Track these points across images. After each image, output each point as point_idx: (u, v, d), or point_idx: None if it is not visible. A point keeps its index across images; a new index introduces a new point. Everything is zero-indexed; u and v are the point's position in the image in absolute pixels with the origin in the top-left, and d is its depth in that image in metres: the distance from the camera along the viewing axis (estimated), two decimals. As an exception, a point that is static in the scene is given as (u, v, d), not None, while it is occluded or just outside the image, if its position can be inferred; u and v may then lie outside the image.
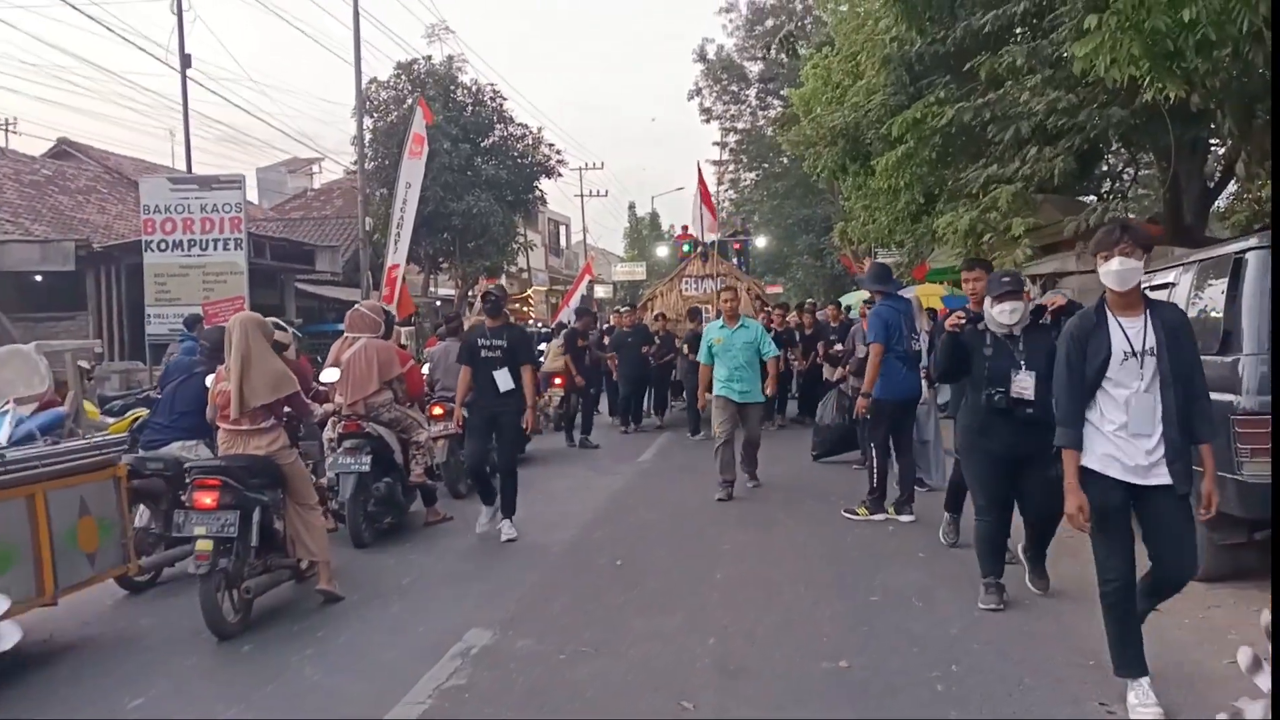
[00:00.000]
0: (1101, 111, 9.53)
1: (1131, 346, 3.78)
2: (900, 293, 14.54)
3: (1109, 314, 3.86)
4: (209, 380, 5.99)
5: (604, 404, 15.72)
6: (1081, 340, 3.86)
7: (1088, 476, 3.88)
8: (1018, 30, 10.66)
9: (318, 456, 7.13)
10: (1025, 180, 10.08)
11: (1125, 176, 13.97)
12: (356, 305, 8.18)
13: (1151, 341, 3.77)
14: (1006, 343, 5.05)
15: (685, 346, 13.98)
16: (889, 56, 12.20)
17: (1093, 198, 13.73)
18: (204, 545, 5.12)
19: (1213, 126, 9.81)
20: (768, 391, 9.17)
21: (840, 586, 5.83)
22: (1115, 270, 3.76)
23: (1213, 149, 11.34)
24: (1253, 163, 8.66)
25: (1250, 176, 8.79)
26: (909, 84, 12.22)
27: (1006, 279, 5.10)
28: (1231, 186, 12.67)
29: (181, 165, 26.85)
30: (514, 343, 7.46)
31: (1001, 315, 4.98)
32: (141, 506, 6.53)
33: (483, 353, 7.39)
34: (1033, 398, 4.93)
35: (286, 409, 5.78)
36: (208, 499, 5.21)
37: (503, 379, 7.33)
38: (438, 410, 9.14)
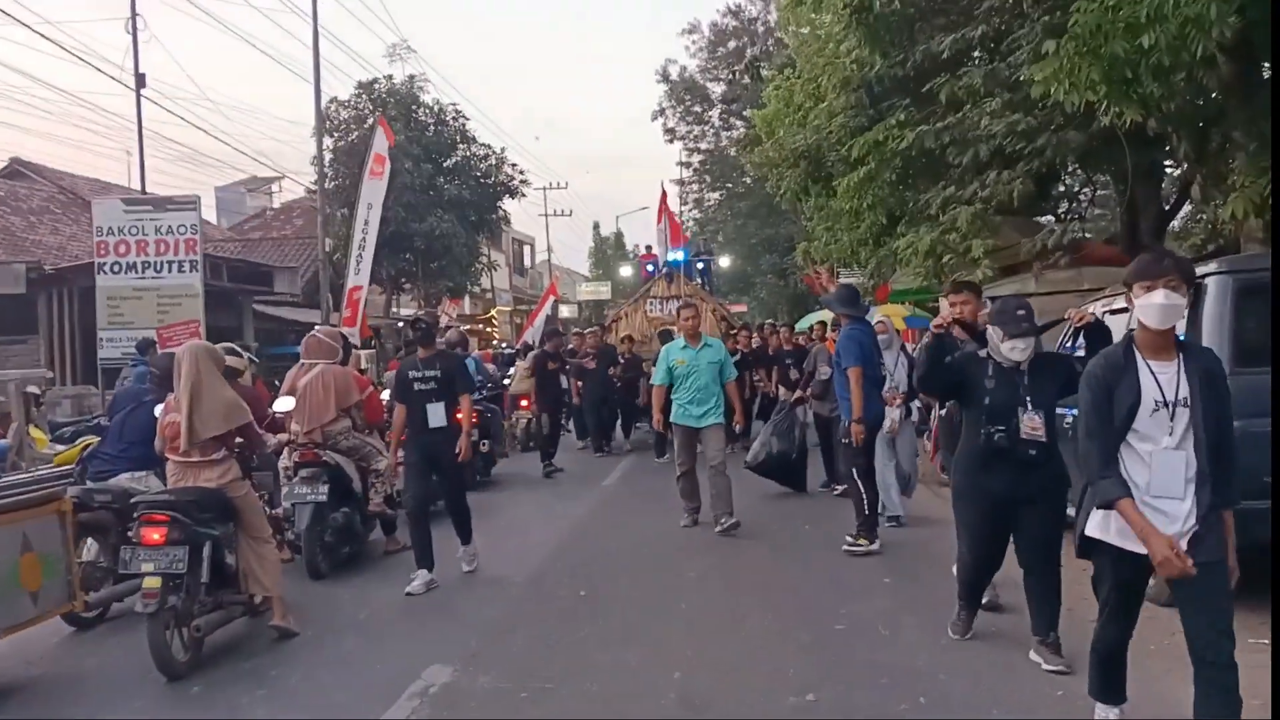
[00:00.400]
0: (1059, 135, 9.65)
1: (1163, 395, 3.31)
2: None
3: (1138, 356, 3.38)
4: (158, 410, 5.82)
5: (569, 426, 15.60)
6: (1108, 384, 3.38)
7: (1103, 550, 3.48)
8: (975, 54, 10.77)
9: (273, 487, 6.95)
10: (984, 202, 10.17)
11: (1082, 198, 14.12)
12: (314, 331, 8.02)
13: (1185, 390, 3.30)
14: (1011, 374, 4.59)
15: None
16: (849, 79, 12.29)
17: (1050, 218, 13.91)
18: (152, 583, 4.94)
19: (1168, 149, 9.94)
20: (736, 424, 8.91)
21: (805, 615, 5.76)
22: (1158, 305, 3.27)
23: (1168, 172, 11.48)
24: (1208, 185, 8.76)
25: (1206, 199, 8.87)
26: (869, 106, 12.31)
27: (1022, 312, 4.55)
28: (1187, 208, 12.86)
29: (138, 185, 26.55)
30: (449, 373, 6.98)
31: (1013, 352, 4.51)
32: (89, 540, 6.33)
33: (415, 385, 6.91)
34: (1044, 439, 4.52)
35: (238, 439, 5.63)
36: (155, 534, 5.05)
37: (435, 413, 6.84)
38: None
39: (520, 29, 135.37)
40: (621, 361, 14.51)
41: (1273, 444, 4.10)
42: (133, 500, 5.47)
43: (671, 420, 8.51)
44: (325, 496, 7.10)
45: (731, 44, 45.73)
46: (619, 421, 15.35)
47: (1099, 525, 3.47)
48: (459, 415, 7.01)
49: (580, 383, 14.22)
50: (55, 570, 5.38)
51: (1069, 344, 7.40)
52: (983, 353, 4.71)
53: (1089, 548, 3.54)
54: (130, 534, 5.25)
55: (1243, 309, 4.90)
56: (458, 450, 6.84)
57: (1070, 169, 11.90)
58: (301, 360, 7.71)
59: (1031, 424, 4.50)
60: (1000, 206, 10.54)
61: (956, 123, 10.33)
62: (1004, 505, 4.63)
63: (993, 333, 4.61)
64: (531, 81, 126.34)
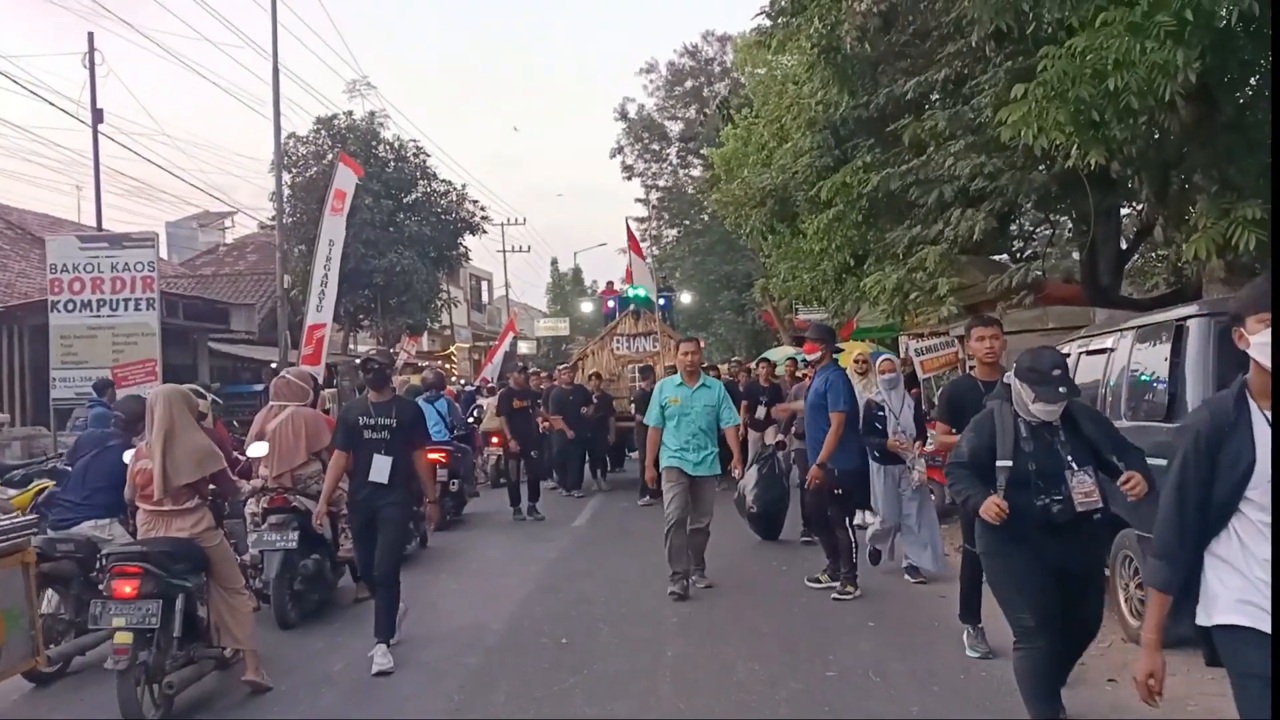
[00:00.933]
0: (1022, 176, 9.83)
1: None
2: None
3: (1252, 405, 2.71)
4: (128, 457, 5.64)
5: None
6: (1213, 444, 2.70)
7: (1222, 635, 2.74)
8: (935, 97, 10.93)
9: (241, 533, 6.76)
10: (949, 242, 10.31)
11: (1038, 236, 14.37)
12: (283, 373, 7.85)
13: None
14: (1043, 431, 4.03)
15: (634, 406, 13.65)
16: (815, 120, 12.44)
17: (1004, 257, 14.15)
18: (123, 638, 4.75)
19: (1130, 188, 10.15)
20: (734, 471, 8.30)
21: (794, 663, 5.68)
22: None
23: (1128, 213, 11.72)
24: (1170, 227, 8.94)
25: (1168, 240, 9.05)
26: (834, 147, 12.47)
27: (1058, 373, 3.96)
28: (1144, 248, 13.14)
29: (88, 220, 26.03)
30: (405, 421, 6.18)
31: (1043, 413, 3.99)
32: (50, 591, 6.09)
33: (365, 434, 6.14)
34: (1102, 504, 3.98)
35: (211, 486, 5.47)
36: (127, 587, 4.86)
37: (380, 467, 6.06)
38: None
39: (476, 66, 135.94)
40: (595, 401, 14.34)
41: (1273, 450, 3.76)
42: (104, 551, 5.27)
43: (662, 465, 7.64)
44: (295, 543, 6.91)
45: (689, 83, 46.36)
46: (587, 462, 15.03)
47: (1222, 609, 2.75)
48: (433, 456, 6.83)
49: (559, 419, 13.88)
50: (18, 625, 5.15)
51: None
52: (1011, 408, 4.10)
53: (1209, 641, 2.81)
54: (100, 586, 5.05)
55: (1225, 352, 4.96)
56: (422, 511, 6.40)
57: (1029, 208, 12.10)
58: (270, 403, 7.53)
59: (1084, 489, 3.93)
60: (964, 245, 10.72)
61: (921, 164, 10.49)
62: (1052, 573, 4.00)
63: (1022, 390, 4.04)
64: (488, 118, 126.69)
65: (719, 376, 13.80)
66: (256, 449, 7.15)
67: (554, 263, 58.77)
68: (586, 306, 48.20)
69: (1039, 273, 10.28)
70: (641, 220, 48.02)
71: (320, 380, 15.41)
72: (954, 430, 4.91)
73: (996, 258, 13.57)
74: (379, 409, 6.18)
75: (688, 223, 42.80)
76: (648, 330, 15.94)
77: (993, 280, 10.62)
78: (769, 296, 22.28)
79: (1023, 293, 10.05)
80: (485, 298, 50.11)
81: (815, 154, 12.84)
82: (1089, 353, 6.44)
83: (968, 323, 5.08)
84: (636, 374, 14.93)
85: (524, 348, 44.49)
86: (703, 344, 18.20)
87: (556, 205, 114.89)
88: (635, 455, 15.54)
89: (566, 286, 58.60)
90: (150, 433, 5.26)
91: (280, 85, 18.73)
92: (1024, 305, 10.13)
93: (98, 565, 5.97)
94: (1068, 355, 6.85)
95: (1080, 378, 6.39)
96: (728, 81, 44.10)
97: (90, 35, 17.78)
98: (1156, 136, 8.35)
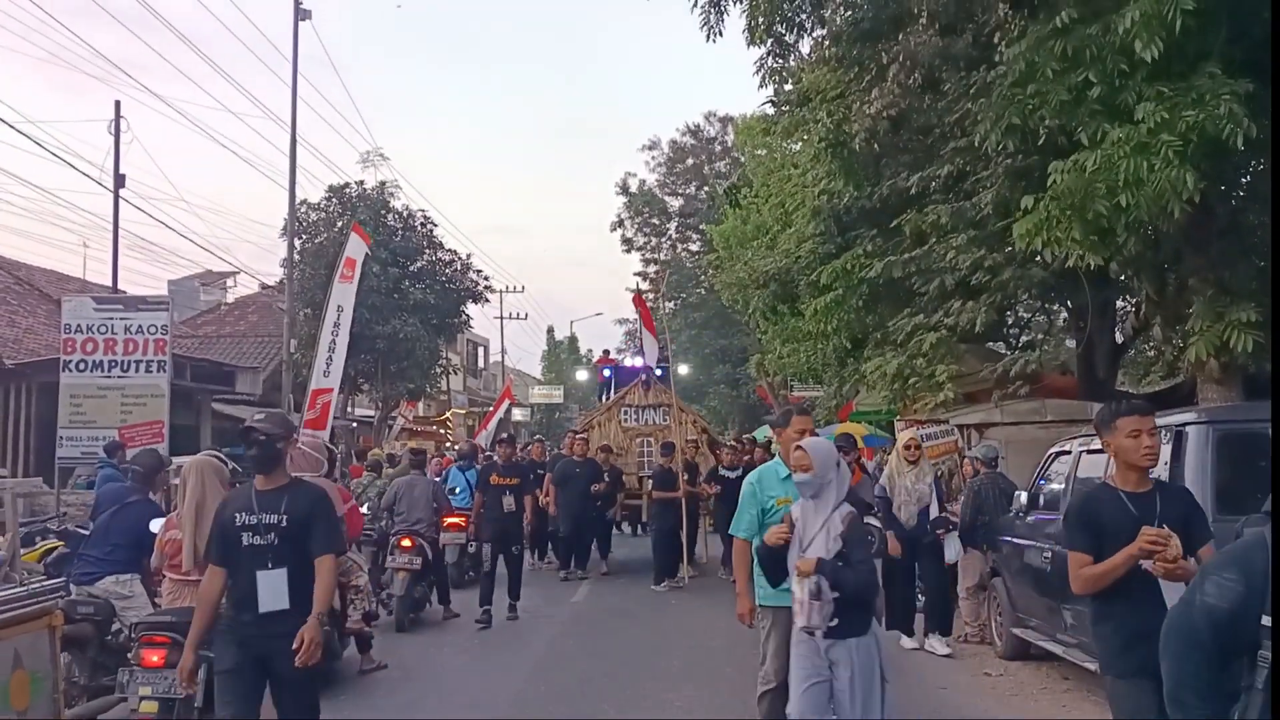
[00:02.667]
0: (1022, 272, 10.15)
1: None
2: (823, 433, 14.75)
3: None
4: (156, 525, 5.79)
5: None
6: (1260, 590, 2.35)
7: None
8: (933, 192, 11.28)
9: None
10: (949, 330, 10.60)
11: (1033, 325, 14.71)
12: (297, 441, 7.95)
13: None
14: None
15: (650, 483, 13.11)
16: (819, 208, 12.83)
17: (999, 345, 14.47)
18: (149, 707, 4.87)
19: (1121, 282, 10.44)
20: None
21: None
22: None
23: (1123, 307, 12.01)
24: (1167, 326, 9.23)
25: (1166, 339, 9.34)
26: (836, 234, 12.84)
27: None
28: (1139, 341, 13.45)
29: (94, 278, 26.34)
30: (305, 517, 4.38)
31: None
32: (64, 654, 6.18)
33: (245, 538, 4.35)
34: None
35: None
36: (155, 657, 4.99)
37: (272, 588, 4.27)
38: (406, 542, 9.52)
39: (480, 137, 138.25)
40: (606, 472, 13.30)
41: (1273, 459, 3.73)
42: (132, 621, 5.40)
43: (760, 602, 5.06)
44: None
45: (689, 161, 47.40)
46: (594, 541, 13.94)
47: None
48: (453, 520, 6.70)
49: (556, 492, 12.98)
50: (42, 688, 5.22)
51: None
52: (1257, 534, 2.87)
53: None
54: (129, 655, 5.16)
55: (1224, 457, 5.19)
56: (307, 651, 4.15)
57: (1025, 300, 12.44)
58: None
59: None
60: (964, 334, 11.02)
61: (923, 254, 10.83)
62: None
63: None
64: (489, 186, 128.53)
65: (736, 457, 13.32)
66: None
67: (550, 330, 59.25)
68: (582, 375, 48.46)
69: (1034, 364, 10.54)
70: (639, 293, 48.57)
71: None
72: (1094, 559, 3.68)
73: (992, 345, 13.89)
74: (266, 501, 4.39)
75: (684, 295, 43.38)
76: (658, 402, 14.89)
77: (987, 368, 10.91)
78: (764, 372, 22.62)
79: (1019, 383, 10.31)
80: (481, 363, 50.36)
81: (817, 240, 13.22)
82: (1089, 451, 6.62)
83: (1107, 409, 3.89)
84: (647, 448, 14.31)
85: (518, 415, 44.58)
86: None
87: (553, 275, 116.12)
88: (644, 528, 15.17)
89: (562, 354, 58.90)
90: (181, 504, 5.41)
91: (296, 154, 19.16)
92: (1019, 396, 10.35)
93: (122, 633, 6.10)
94: (1068, 452, 7.09)
95: (1082, 476, 6.59)
96: (728, 160, 45.17)
97: (117, 104, 18.27)
98: (1154, 239, 8.68)
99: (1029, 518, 7.46)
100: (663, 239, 46.75)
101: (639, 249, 47.12)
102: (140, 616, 5.82)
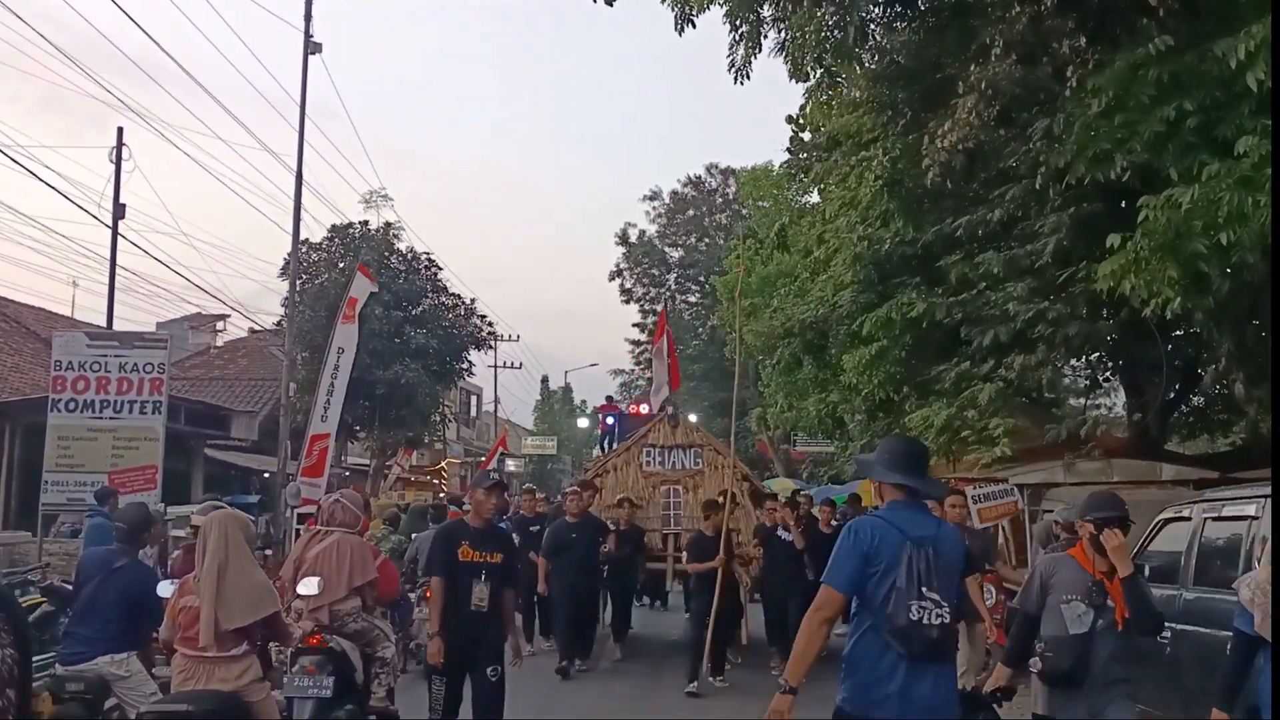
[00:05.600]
0: (1090, 325, 9.53)
1: None
2: (842, 488, 13.77)
3: None
4: (166, 590, 4.99)
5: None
6: None
7: None
8: (980, 241, 10.67)
9: (277, 679, 6.03)
10: (1004, 383, 9.96)
11: (1075, 382, 14.08)
12: (336, 496, 7.10)
13: None
14: None
15: (686, 554, 10.07)
16: (860, 255, 12.24)
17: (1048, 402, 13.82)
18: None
19: (1194, 334, 9.81)
20: None
21: None
22: None
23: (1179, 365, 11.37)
24: (1249, 384, 8.58)
25: (1249, 399, 8.69)
26: (878, 282, 12.25)
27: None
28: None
29: (83, 316, 25.51)
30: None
31: None
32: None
33: None
34: None
35: (262, 631, 4.81)
36: (168, 752, 4.17)
37: None
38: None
39: (475, 191, 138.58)
40: (615, 531, 10.60)
41: (1272, 459, 4.07)
42: (142, 710, 4.59)
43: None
44: (330, 691, 6.14)
45: (690, 212, 47.17)
46: (609, 617, 11.36)
47: None
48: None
49: (544, 561, 10.26)
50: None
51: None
52: None
53: None
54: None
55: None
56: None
57: (1089, 355, 11.82)
58: (318, 527, 6.84)
59: None
60: (1020, 388, 10.37)
61: (971, 299, 10.24)
62: None
63: None
64: (482, 237, 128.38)
65: (795, 519, 10.36)
66: (307, 586, 6.36)
67: (544, 380, 58.43)
68: (582, 422, 47.68)
69: (1101, 422, 9.91)
70: (636, 344, 48.14)
71: (321, 493, 14.75)
72: None
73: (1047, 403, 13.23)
74: None
75: (681, 347, 42.89)
76: (689, 442, 12.00)
77: (1051, 428, 10.23)
78: (765, 425, 21.93)
79: (1090, 444, 9.64)
80: (474, 412, 49.52)
81: (856, 288, 12.62)
82: (1216, 519, 5.92)
83: None
84: (674, 498, 11.51)
85: (511, 465, 43.70)
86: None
87: (546, 327, 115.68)
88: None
89: (556, 405, 58.14)
90: (200, 566, 4.63)
91: (302, 194, 18.54)
92: (1092, 456, 9.68)
93: (117, 711, 5.30)
94: (1185, 518, 6.38)
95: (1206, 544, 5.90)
96: (729, 212, 44.94)
97: (119, 130, 17.55)
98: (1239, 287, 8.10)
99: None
100: (662, 290, 46.31)
101: (637, 300, 46.68)
102: (145, 700, 5.03)
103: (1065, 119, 7.96)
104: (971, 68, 8.29)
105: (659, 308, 46.12)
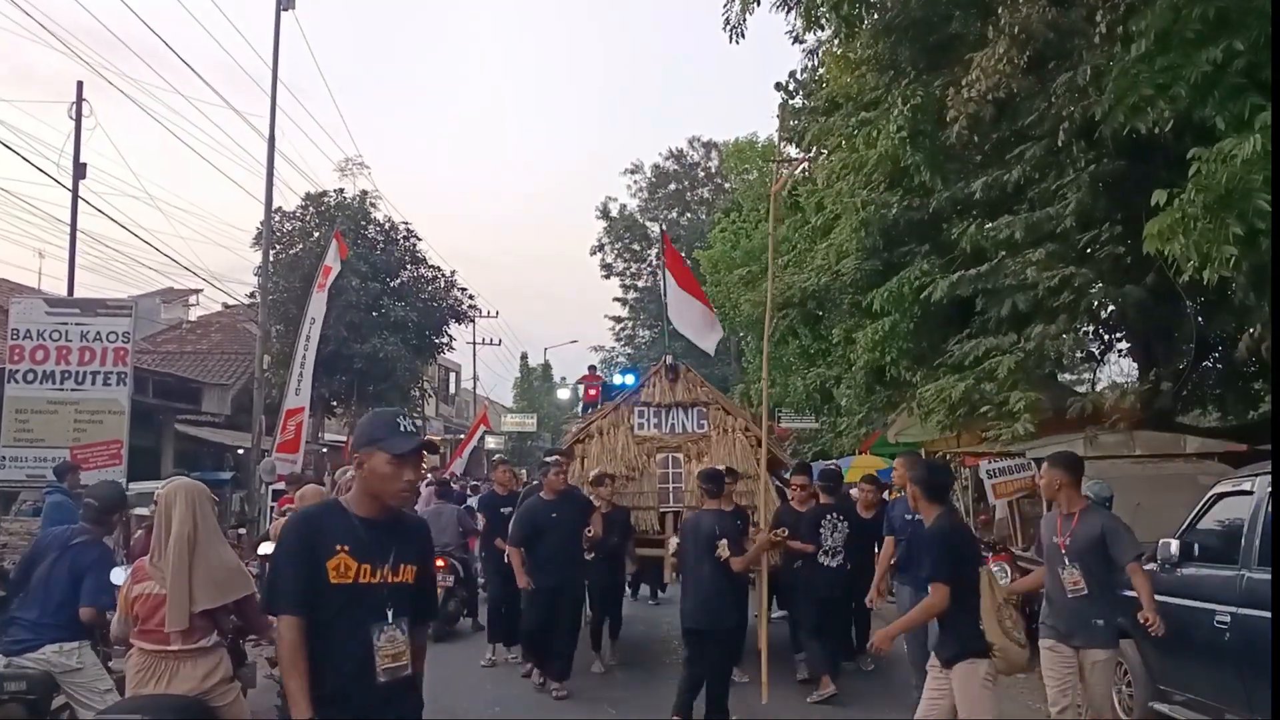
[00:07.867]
0: (1117, 291, 9.01)
1: None
2: (832, 464, 13.18)
3: None
4: (119, 576, 4.34)
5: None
6: None
7: None
8: (990, 205, 10.12)
9: (249, 677, 5.41)
10: (1026, 354, 9.43)
11: (1096, 354, 13.58)
12: (345, 468, 6.48)
13: None
14: None
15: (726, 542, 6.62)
16: (867, 220, 11.65)
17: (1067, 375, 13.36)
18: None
19: (1238, 306, 9.31)
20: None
21: None
22: None
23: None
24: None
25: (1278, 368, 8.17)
26: (882, 249, 11.70)
27: None
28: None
29: (50, 287, 24.52)
30: None
31: None
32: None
33: None
34: None
35: (233, 619, 4.18)
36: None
37: None
38: (440, 562, 8.73)
39: (452, 166, 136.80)
40: (599, 511, 8.23)
41: (1272, 460, 3.96)
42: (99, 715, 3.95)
43: None
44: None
45: (672, 186, 46.47)
46: (588, 616, 8.85)
47: None
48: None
49: (517, 555, 7.99)
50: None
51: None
52: None
53: None
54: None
55: None
56: None
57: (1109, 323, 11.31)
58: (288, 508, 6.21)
59: None
60: (1040, 360, 9.85)
61: (990, 270, 9.69)
62: None
63: None
64: (459, 215, 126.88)
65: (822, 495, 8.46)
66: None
67: (524, 357, 57.66)
68: (563, 393, 47.04)
69: (1130, 394, 9.36)
70: (617, 319, 47.52)
71: (298, 469, 14.09)
72: None
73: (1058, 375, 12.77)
74: None
75: (666, 322, 42.31)
76: (692, 399, 9.60)
77: (1074, 401, 9.70)
78: (749, 402, 21.44)
79: (1115, 416, 9.13)
80: (453, 389, 48.77)
81: (859, 256, 12.07)
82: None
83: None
84: (674, 468, 9.14)
85: (491, 442, 43.04)
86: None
87: (525, 305, 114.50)
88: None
89: (535, 381, 57.46)
90: (165, 543, 3.98)
91: (274, 161, 17.72)
92: (1117, 429, 9.17)
93: (66, 711, 4.67)
94: (1248, 492, 5.85)
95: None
96: (711, 186, 44.31)
97: (79, 84, 16.50)
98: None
99: (1181, 570, 6.21)
100: (643, 265, 45.67)
101: (618, 274, 46.02)
102: (98, 698, 4.40)
103: (1096, 68, 7.40)
104: (1000, 10, 7.70)
105: (639, 284, 45.50)
